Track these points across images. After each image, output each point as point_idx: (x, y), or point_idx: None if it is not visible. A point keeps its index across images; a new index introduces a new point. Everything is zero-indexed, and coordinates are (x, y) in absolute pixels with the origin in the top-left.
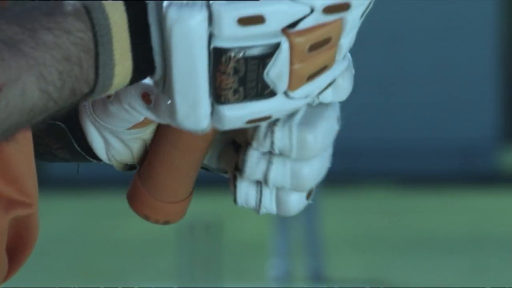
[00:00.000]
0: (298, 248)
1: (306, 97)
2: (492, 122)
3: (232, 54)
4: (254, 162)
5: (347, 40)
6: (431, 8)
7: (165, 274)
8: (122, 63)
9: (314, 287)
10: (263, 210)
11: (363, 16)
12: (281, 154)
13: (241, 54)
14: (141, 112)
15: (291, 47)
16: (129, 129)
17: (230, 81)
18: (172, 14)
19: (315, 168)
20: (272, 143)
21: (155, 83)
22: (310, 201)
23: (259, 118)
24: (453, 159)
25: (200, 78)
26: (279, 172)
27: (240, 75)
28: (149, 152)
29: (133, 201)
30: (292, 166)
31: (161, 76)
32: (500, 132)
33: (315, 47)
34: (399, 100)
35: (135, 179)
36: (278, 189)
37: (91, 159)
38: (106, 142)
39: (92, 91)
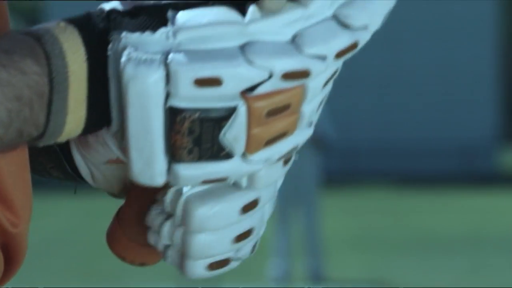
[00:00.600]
0: (298, 248)
1: (265, 161)
2: (492, 122)
3: (187, 115)
4: (154, 213)
5: (309, 107)
6: (431, 8)
7: (165, 274)
8: (76, 112)
9: (314, 287)
10: (168, 260)
11: (328, 84)
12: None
13: (196, 115)
14: (113, 151)
15: (249, 111)
16: (106, 163)
17: (185, 141)
18: (129, 70)
19: (203, 242)
20: (163, 202)
21: (114, 134)
22: (212, 273)
23: (215, 179)
24: (453, 159)
25: (155, 136)
26: (170, 231)
27: (194, 136)
28: (128, 193)
29: (111, 240)
30: (182, 231)
31: (118, 129)
32: (500, 132)
33: (273, 112)
34: (399, 100)
35: (114, 219)
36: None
37: (82, 181)
38: (90, 170)
39: (41, 136)
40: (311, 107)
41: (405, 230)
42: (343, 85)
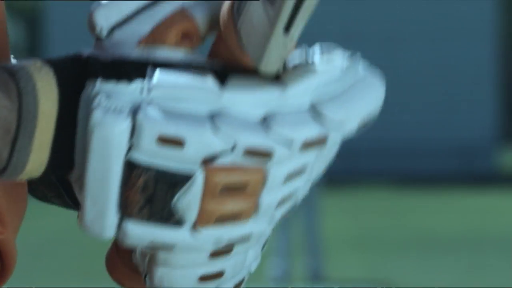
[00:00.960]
0: (298, 248)
1: (215, 240)
2: (491, 122)
3: (144, 171)
4: None
5: (268, 198)
6: (431, 8)
7: None
8: (39, 152)
9: (313, 287)
10: (147, 285)
11: (292, 181)
12: None
13: (152, 173)
14: None
15: (205, 181)
16: None
17: (137, 197)
18: (97, 116)
19: (164, 275)
20: None
21: (75, 180)
22: None
23: (162, 244)
24: (452, 159)
25: (111, 187)
26: (142, 254)
27: (148, 194)
28: None
29: (109, 266)
30: (148, 258)
31: (80, 176)
32: (500, 132)
33: (229, 189)
34: (399, 100)
35: (112, 245)
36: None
37: None
38: None
39: (3, 171)
40: (270, 200)
41: (405, 230)
42: None
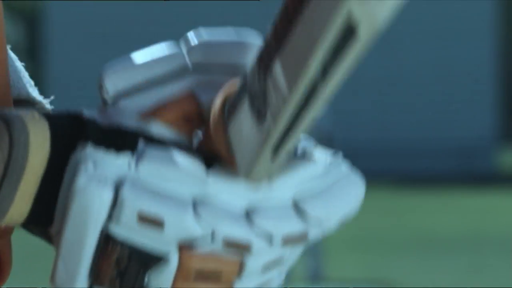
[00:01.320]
0: None
1: None
2: (491, 122)
3: (120, 246)
4: None
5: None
6: (431, 8)
7: None
8: (21, 204)
9: (313, 287)
10: None
11: (268, 272)
12: None
13: (127, 250)
14: None
15: (179, 266)
16: None
17: (109, 270)
18: (81, 182)
19: None
20: None
21: (54, 235)
22: None
23: None
24: (452, 159)
25: (84, 255)
26: None
27: (120, 268)
28: None
29: None
30: None
31: (58, 231)
32: (499, 132)
33: (202, 277)
34: (399, 100)
35: None
36: None
37: None
38: None
39: None
40: None
41: (405, 230)
42: (343, 85)
